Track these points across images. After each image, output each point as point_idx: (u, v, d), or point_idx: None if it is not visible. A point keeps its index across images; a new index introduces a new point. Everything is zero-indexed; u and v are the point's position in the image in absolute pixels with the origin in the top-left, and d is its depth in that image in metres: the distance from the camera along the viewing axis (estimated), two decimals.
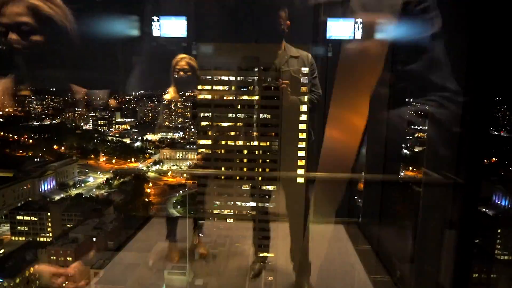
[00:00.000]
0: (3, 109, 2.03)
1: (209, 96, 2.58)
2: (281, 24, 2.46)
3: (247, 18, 2.60)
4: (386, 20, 2.08)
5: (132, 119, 12.37)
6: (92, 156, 12.69)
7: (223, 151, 2.65)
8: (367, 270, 2.75)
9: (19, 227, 10.44)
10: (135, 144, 12.66)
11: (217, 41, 2.83)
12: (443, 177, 2.15)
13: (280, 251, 2.58)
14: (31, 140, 12.10)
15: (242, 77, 2.57)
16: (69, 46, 1.82)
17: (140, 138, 12.53)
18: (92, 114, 12.21)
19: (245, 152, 2.66)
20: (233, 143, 2.64)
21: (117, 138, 12.63)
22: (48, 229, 10.43)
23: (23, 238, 10.33)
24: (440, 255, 2.20)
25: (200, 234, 2.83)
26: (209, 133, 2.64)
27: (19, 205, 10.83)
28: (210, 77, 2.59)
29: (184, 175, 11.49)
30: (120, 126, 12.52)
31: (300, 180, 2.70)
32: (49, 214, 10.48)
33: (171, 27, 2.51)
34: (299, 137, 2.61)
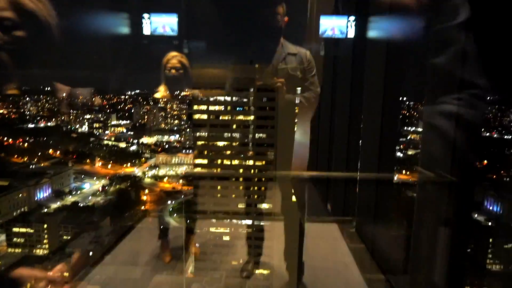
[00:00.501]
0: None
1: (204, 116, 2.57)
2: (279, 20, 2.42)
3: (241, 13, 2.57)
4: None
5: (128, 121, 12.26)
6: (87, 161, 12.60)
7: (219, 169, 2.66)
8: (361, 269, 2.72)
9: (15, 239, 10.33)
10: (131, 148, 12.57)
11: (210, 40, 2.82)
12: (437, 175, 2.13)
13: (273, 250, 2.55)
14: (26, 144, 12.02)
15: (237, 98, 2.56)
16: (54, 43, 1.79)
17: (136, 141, 12.45)
18: (88, 116, 12.13)
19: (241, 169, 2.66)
20: (229, 163, 2.64)
21: (113, 142, 12.56)
22: (45, 241, 10.36)
23: (20, 250, 10.24)
24: (435, 253, 2.17)
25: (192, 233, 2.79)
26: (205, 153, 2.64)
27: (14, 214, 10.78)
28: (206, 97, 2.58)
29: (180, 181, 11.44)
30: (116, 128, 12.41)
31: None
32: (45, 226, 10.44)
33: (162, 24, 2.49)
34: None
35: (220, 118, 2.54)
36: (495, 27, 1.73)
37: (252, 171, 2.65)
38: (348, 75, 3.69)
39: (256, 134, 2.55)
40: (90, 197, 11.71)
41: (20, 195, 10.87)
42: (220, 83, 2.56)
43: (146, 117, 11.68)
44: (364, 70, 3.31)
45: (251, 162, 2.58)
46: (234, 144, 2.56)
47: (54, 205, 11.26)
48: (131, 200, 11.08)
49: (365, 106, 3.50)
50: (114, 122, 12.80)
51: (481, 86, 1.56)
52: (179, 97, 2.88)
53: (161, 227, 2.92)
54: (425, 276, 2.26)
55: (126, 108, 11.84)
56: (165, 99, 2.82)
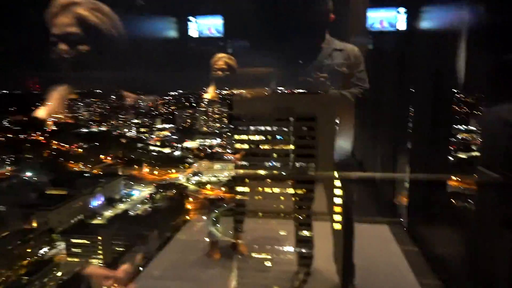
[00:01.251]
0: (58, 117, 2.11)
1: (245, 146, 2.62)
2: (324, 17, 2.38)
3: (285, 11, 2.55)
4: None
5: (172, 125, 12.77)
6: (135, 166, 13.26)
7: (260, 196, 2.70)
8: (415, 273, 2.58)
9: (73, 249, 11.24)
10: (175, 153, 13.04)
11: (254, 40, 2.83)
12: (501, 176, 1.98)
13: (322, 252, 2.49)
14: (80, 150, 12.83)
15: (276, 127, 2.57)
16: (116, 51, 1.87)
17: (179, 146, 12.89)
18: (135, 121, 12.74)
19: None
20: (270, 191, 2.67)
21: (158, 148, 13.09)
22: (99, 252, 11.15)
23: (78, 260, 11.06)
24: (496, 257, 2.02)
25: (240, 232, 2.80)
26: (246, 181, 2.68)
27: (72, 222, 11.69)
28: (246, 127, 2.62)
29: (223, 188, 11.67)
30: (161, 132, 12.97)
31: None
32: (99, 238, 11.23)
33: (207, 26, 2.55)
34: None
35: (260, 147, 2.57)
36: None
37: (294, 198, 2.65)
38: (396, 70, 3.54)
39: (296, 163, 2.55)
40: (139, 205, 12.39)
41: (77, 204, 11.80)
42: (263, 84, 2.57)
43: (188, 120, 12.13)
44: (414, 64, 3.16)
45: (291, 191, 2.59)
46: (274, 172, 2.58)
47: (106, 213, 12.09)
48: (176, 209, 11.51)
49: (414, 103, 3.35)
50: (159, 126, 13.43)
51: None
52: (220, 95, 2.92)
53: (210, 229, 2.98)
54: (487, 282, 2.11)
55: (169, 111, 12.29)
56: (213, 100, 2.86)
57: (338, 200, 2.59)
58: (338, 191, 2.58)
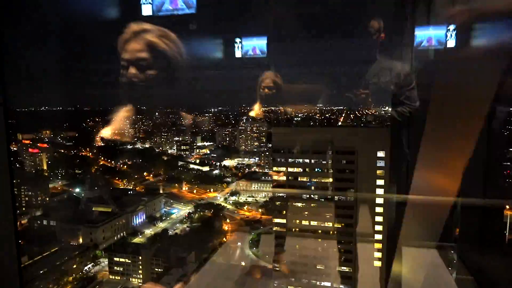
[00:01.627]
0: (121, 137, 2.22)
1: (283, 177, 2.65)
2: (373, 34, 2.41)
3: (331, 32, 2.59)
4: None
5: (211, 143, 13.00)
6: (176, 185, 13.57)
7: (297, 229, 2.71)
8: None
9: (116, 267, 11.64)
10: (214, 172, 13.21)
11: (299, 60, 2.87)
12: None
13: (368, 273, 2.40)
14: (125, 167, 13.35)
15: (315, 160, 2.60)
16: (178, 75, 1.96)
17: (218, 164, 13.06)
18: (176, 138, 13.12)
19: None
20: (307, 223, 2.67)
21: (198, 167, 13.32)
22: (139, 271, 11.43)
23: (119, 278, 11.50)
24: None
25: (281, 252, 2.77)
26: (283, 212, 2.70)
27: (116, 238, 12.19)
28: (284, 159, 2.66)
29: (259, 210, 11.72)
30: (201, 150, 13.25)
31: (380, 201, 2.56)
32: (140, 257, 11.63)
33: (252, 47, 2.62)
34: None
35: (299, 179, 2.58)
36: None
37: (331, 224, 2.62)
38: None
39: (336, 196, 2.54)
40: (177, 224, 12.64)
41: (120, 222, 12.30)
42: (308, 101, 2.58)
43: (227, 138, 12.32)
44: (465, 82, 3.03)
45: (329, 224, 2.57)
46: (312, 205, 2.58)
47: (147, 231, 12.46)
48: (214, 230, 11.63)
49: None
50: (199, 144, 13.74)
51: None
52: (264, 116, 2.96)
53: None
54: None
55: (210, 128, 12.52)
56: (257, 118, 2.92)
57: (381, 222, 2.51)
58: (381, 214, 2.51)
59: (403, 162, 2.48)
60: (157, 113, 2.88)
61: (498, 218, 3.13)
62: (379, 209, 2.57)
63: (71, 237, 12.12)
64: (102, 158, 13.49)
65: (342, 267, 2.60)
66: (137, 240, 12.66)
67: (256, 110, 2.78)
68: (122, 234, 12.47)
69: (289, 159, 2.60)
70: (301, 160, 2.61)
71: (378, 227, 2.56)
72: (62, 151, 13.77)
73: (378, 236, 2.55)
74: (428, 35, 2.55)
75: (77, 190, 13.18)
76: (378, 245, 2.54)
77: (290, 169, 2.63)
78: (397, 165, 2.59)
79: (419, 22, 2.54)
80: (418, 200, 2.45)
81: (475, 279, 2.67)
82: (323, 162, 2.53)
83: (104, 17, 2.52)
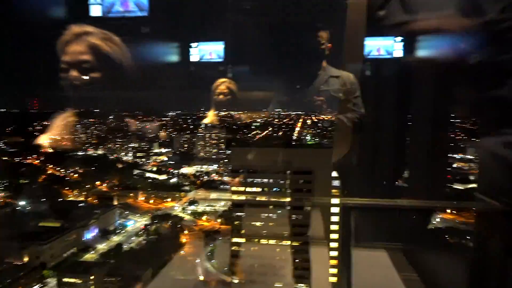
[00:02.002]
0: (63, 143, 2.12)
1: (243, 197, 2.68)
2: (322, 44, 2.51)
3: (285, 39, 2.65)
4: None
5: (169, 149, 12.59)
6: (131, 194, 12.95)
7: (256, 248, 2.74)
8: None
9: None
10: (171, 180, 12.78)
11: (254, 65, 2.90)
12: (498, 202, 1.98)
13: (320, 277, 2.44)
14: (76, 175, 12.52)
15: (273, 180, 2.66)
16: (124, 78, 1.91)
17: (176, 172, 12.68)
18: (132, 145, 12.56)
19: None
20: (266, 242, 2.70)
21: (155, 175, 12.83)
22: None
23: None
24: (500, 283, 1.99)
25: (235, 258, 2.75)
26: (242, 232, 2.72)
27: (64, 255, 11.32)
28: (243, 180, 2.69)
29: (218, 219, 11.55)
30: (158, 157, 12.78)
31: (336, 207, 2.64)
32: (91, 277, 10.92)
33: (209, 51, 2.62)
34: None
35: (257, 199, 2.61)
36: None
37: (290, 242, 2.67)
38: (393, 97, 3.60)
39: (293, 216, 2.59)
40: (133, 237, 12.00)
41: (70, 237, 11.42)
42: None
43: (185, 145, 11.96)
44: (411, 91, 3.23)
45: (288, 243, 2.61)
46: (270, 224, 2.62)
47: (100, 246, 11.68)
48: (171, 242, 11.21)
49: (412, 129, 3.39)
50: (156, 150, 13.25)
51: None
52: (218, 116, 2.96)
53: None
54: None
55: (167, 133, 12.08)
56: (212, 125, 2.91)
57: (335, 226, 2.57)
58: (335, 218, 2.57)
59: (352, 166, 2.58)
60: (111, 117, 2.77)
61: (440, 220, 3.34)
62: (333, 216, 2.64)
63: (15, 256, 11.13)
64: (51, 166, 12.61)
65: (297, 272, 2.62)
66: (89, 256, 11.86)
67: (210, 116, 2.78)
68: (72, 251, 11.64)
69: (248, 179, 2.63)
70: (259, 180, 2.64)
71: (332, 231, 2.63)
72: (6, 158, 12.67)
73: (332, 241, 2.61)
74: (377, 46, 2.69)
75: (22, 202, 12.15)
76: (331, 249, 2.60)
77: (248, 189, 2.65)
78: (348, 171, 2.69)
79: (369, 32, 2.67)
80: (369, 204, 2.56)
81: (420, 277, 2.82)
82: (281, 182, 2.58)
83: (50, 16, 2.39)
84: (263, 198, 2.60)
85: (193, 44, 2.66)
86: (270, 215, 2.60)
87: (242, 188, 2.56)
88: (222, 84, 2.75)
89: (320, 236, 2.56)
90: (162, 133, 7.68)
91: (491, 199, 2.01)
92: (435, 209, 3.23)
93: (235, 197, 2.63)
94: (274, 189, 2.55)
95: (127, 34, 2.04)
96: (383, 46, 2.65)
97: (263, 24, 2.71)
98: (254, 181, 2.58)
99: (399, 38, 2.59)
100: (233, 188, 2.59)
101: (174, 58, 2.80)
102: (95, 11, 2.08)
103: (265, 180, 2.56)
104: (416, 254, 3.18)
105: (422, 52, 2.74)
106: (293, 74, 2.65)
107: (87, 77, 1.72)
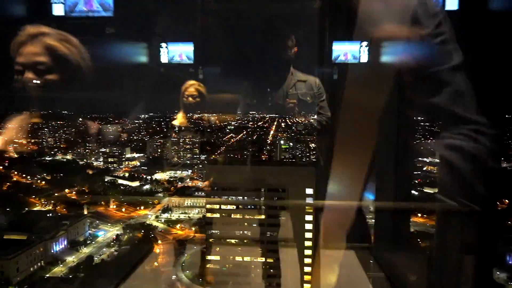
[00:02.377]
0: (19, 146, 2.04)
1: (217, 215, 2.69)
2: (288, 50, 2.58)
3: (253, 43, 2.69)
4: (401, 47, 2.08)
5: (142, 154, 12.16)
6: (102, 202, 12.41)
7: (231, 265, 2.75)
8: None
9: None
10: (144, 187, 12.36)
11: (224, 67, 2.91)
12: (458, 203, 2.07)
13: (290, 277, 2.46)
14: (43, 183, 11.84)
15: (248, 197, 2.69)
16: (83, 80, 1.87)
17: (149, 178, 12.29)
18: (103, 150, 12.08)
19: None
20: (241, 259, 2.73)
21: (127, 182, 12.33)
22: None
23: None
24: (458, 283, 2.07)
25: (208, 261, 2.73)
26: (217, 249, 2.74)
27: (32, 269, 10.57)
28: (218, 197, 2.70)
29: (193, 228, 11.24)
30: (130, 162, 12.34)
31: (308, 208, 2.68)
32: None
33: (178, 52, 2.60)
34: None
35: (232, 216, 2.63)
36: (488, 69, 1.88)
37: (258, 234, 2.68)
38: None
39: (268, 232, 2.62)
40: (104, 249, 11.38)
41: (38, 250, 10.74)
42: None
43: (159, 150, 11.55)
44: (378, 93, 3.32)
45: (262, 259, 2.64)
46: (245, 241, 2.64)
47: (69, 258, 10.96)
48: (145, 252, 10.80)
49: (378, 131, 3.47)
50: (128, 155, 12.73)
51: (480, 122, 1.62)
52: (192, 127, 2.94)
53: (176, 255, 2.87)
54: None
55: (139, 137, 11.62)
56: (182, 127, 2.89)
57: (306, 227, 2.60)
58: (307, 218, 2.60)
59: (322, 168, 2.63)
60: (79, 120, 2.69)
61: (407, 220, 3.44)
62: (308, 216, 2.67)
63: None
64: (15, 173, 11.90)
65: (268, 275, 2.64)
66: (58, 270, 11.10)
67: (179, 119, 2.76)
68: (39, 264, 10.84)
69: (223, 197, 2.64)
70: (234, 198, 2.67)
71: (302, 233, 2.65)
72: None
73: (303, 243, 2.64)
74: (344, 50, 2.75)
75: None
76: (300, 251, 2.63)
77: (223, 207, 2.67)
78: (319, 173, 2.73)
79: (337, 37, 2.73)
80: (335, 205, 2.61)
81: (386, 276, 2.89)
82: (256, 199, 2.62)
83: (10, 14, 2.30)
84: (238, 216, 2.62)
85: (163, 45, 2.63)
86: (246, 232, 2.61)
87: (216, 206, 2.57)
88: (191, 87, 2.75)
89: (290, 237, 2.58)
90: (124, 135, 7.45)
91: (449, 199, 2.10)
92: (400, 210, 3.31)
93: (209, 215, 2.62)
94: (249, 206, 2.57)
95: (91, 35, 2.00)
96: (350, 51, 2.71)
97: (232, 26, 2.73)
98: (229, 198, 2.59)
99: (365, 43, 2.66)
100: (208, 206, 2.59)
101: (142, 59, 2.76)
102: (58, 10, 2.03)
103: (240, 197, 2.58)
104: (385, 254, 3.26)
105: (384, 58, 2.85)
106: (262, 77, 2.70)
107: (42, 79, 1.67)
